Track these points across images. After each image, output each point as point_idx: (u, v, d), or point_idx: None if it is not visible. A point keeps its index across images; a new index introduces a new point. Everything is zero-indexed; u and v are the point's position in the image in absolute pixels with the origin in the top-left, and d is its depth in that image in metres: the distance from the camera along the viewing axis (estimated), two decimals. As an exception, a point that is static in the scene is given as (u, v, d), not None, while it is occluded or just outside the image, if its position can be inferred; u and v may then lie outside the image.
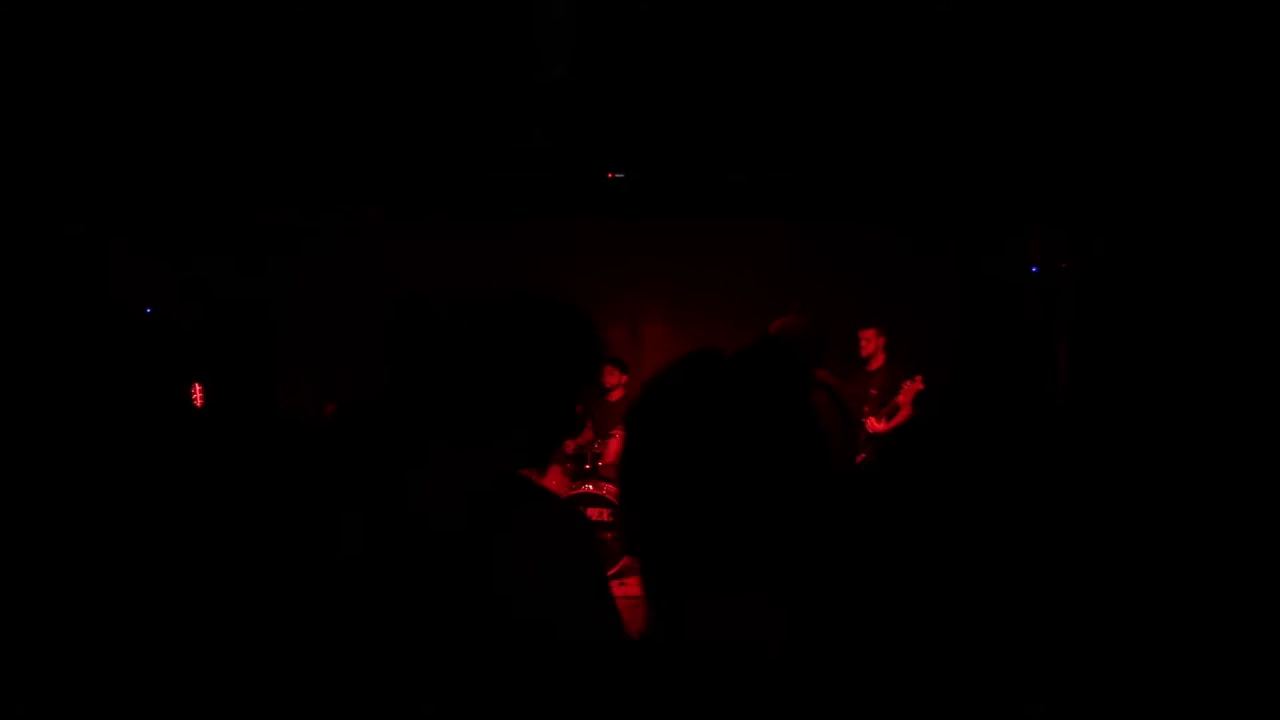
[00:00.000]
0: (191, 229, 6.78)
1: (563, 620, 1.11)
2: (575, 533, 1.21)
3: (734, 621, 0.79)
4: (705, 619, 0.79)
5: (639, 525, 0.84)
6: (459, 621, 1.12)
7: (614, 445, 6.32)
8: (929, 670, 0.82)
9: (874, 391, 5.63)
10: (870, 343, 5.80)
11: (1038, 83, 4.60)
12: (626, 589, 4.60)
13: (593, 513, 5.92)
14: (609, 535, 5.73)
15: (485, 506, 1.17)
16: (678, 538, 0.80)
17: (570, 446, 6.63)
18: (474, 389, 1.22)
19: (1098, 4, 3.91)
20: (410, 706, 1.12)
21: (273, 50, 4.35)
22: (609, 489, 6.02)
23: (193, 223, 6.77)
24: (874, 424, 5.51)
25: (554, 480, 6.10)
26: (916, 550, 0.85)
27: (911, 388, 5.37)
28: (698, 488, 0.79)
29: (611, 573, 5.38)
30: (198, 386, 2.64)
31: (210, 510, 1.86)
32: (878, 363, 5.78)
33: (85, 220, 5.67)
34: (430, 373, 1.23)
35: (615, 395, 6.71)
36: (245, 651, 1.64)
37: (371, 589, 1.16)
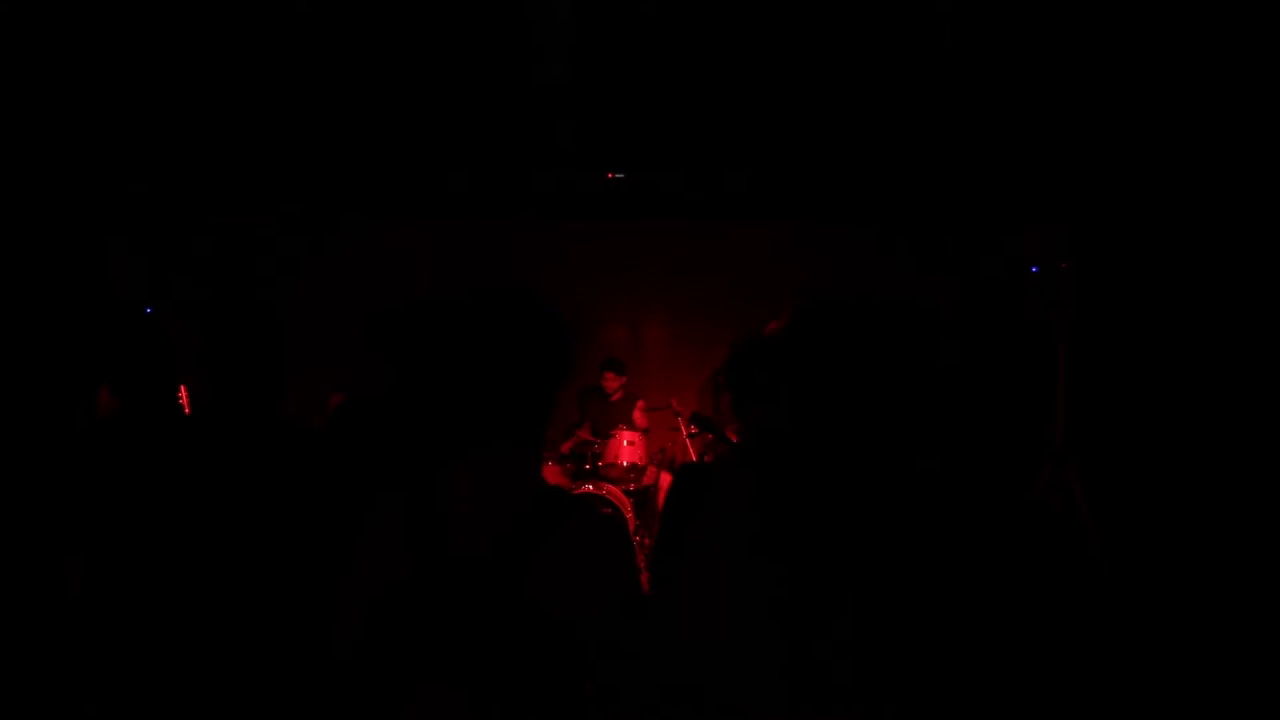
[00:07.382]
0: (194, 230, 6.79)
1: (597, 624, 1.15)
2: (614, 542, 1.24)
3: None
4: None
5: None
6: (495, 623, 1.13)
7: (614, 445, 6.25)
8: None
9: None
10: None
11: (1037, 81, 4.61)
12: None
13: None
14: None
15: (525, 513, 1.19)
16: None
17: (567, 447, 6.61)
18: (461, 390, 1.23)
19: (1097, 3, 3.92)
20: (441, 703, 1.12)
21: (274, 50, 4.35)
22: (609, 489, 5.97)
23: (195, 224, 6.78)
24: None
25: (553, 481, 6.04)
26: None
27: None
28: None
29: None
30: (183, 389, 2.63)
31: (221, 510, 1.86)
32: None
33: (86, 220, 5.67)
34: (428, 374, 1.24)
35: (615, 396, 6.67)
36: (263, 652, 1.65)
37: (405, 593, 1.17)
